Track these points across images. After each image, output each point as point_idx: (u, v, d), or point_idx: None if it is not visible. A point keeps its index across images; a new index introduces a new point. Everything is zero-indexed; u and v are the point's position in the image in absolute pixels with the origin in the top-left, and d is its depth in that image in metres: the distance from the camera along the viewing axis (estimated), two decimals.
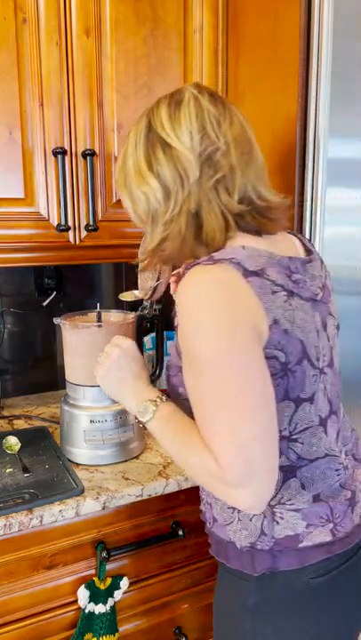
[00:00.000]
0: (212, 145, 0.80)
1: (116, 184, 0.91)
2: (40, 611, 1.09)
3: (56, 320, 1.23)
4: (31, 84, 1.20)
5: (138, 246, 1.02)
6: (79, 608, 1.12)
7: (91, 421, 1.19)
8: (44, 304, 1.65)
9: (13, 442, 1.29)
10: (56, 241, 1.28)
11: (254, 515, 0.85)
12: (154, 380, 1.35)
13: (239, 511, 0.86)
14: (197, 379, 0.77)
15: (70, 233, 1.29)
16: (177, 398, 0.90)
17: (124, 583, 1.15)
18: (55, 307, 1.66)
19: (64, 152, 1.23)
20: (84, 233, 1.30)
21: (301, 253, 0.91)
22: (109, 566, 1.14)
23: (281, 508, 0.84)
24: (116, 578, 1.14)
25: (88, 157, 1.26)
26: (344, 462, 0.90)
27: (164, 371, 1.35)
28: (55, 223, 1.27)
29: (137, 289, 1.23)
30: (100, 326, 1.20)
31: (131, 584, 1.17)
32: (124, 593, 1.16)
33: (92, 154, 1.26)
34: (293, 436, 0.83)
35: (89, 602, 1.11)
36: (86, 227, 1.29)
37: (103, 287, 1.76)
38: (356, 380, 1.29)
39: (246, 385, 0.74)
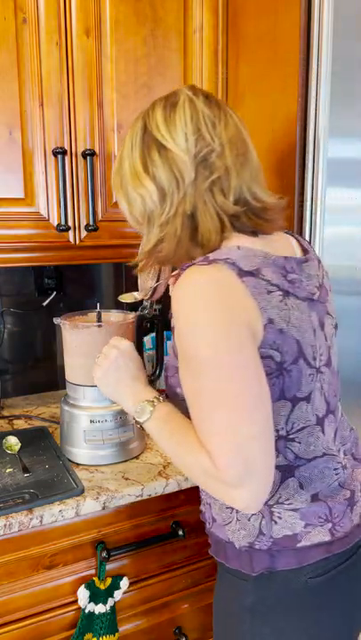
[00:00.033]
0: (207, 146, 0.80)
1: (112, 186, 0.92)
2: (40, 611, 1.09)
3: (56, 320, 1.23)
4: (31, 84, 1.20)
5: (138, 246, 1.02)
6: (79, 608, 1.12)
7: (91, 421, 1.20)
8: (44, 304, 1.65)
9: (13, 442, 1.29)
10: (56, 241, 1.28)
11: (253, 514, 0.85)
12: (154, 380, 1.35)
13: (238, 511, 0.86)
14: (194, 379, 0.77)
15: (70, 233, 1.29)
16: (175, 399, 0.90)
17: (124, 583, 1.15)
18: (55, 307, 1.66)
19: (64, 152, 1.23)
20: (84, 233, 1.30)
21: (298, 253, 0.91)
22: (109, 566, 1.14)
23: (279, 508, 0.84)
24: (116, 578, 1.14)
25: (88, 157, 1.26)
26: (343, 461, 0.90)
27: (163, 371, 1.35)
28: (55, 223, 1.27)
29: (137, 289, 1.23)
30: (100, 326, 1.20)
31: (131, 584, 1.17)
32: (124, 593, 1.16)
33: (92, 154, 1.26)
34: (290, 436, 0.83)
35: (89, 602, 1.11)
36: (86, 227, 1.29)
37: (103, 287, 1.76)
38: (355, 380, 1.29)
39: (243, 385, 0.74)
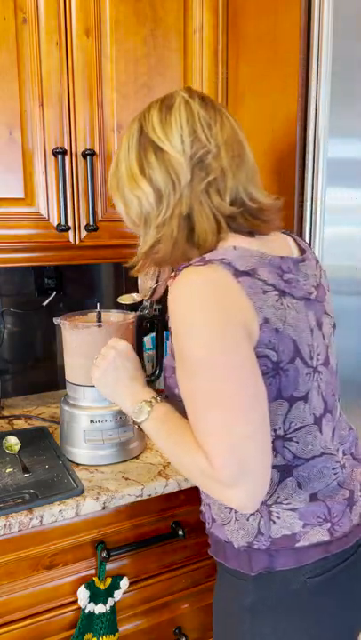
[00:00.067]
0: (203, 148, 0.81)
1: (109, 188, 0.92)
2: (40, 611, 1.09)
3: (56, 320, 1.23)
4: (31, 84, 1.20)
5: (137, 246, 1.02)
6: (79, 608, 1.12)
7: (91, 421, 1.20)
8: (44, 304, 1.65)
9: (13, 442, 1.29)
10: (56, 241, 1.28)
11: (251, 514, 0.85)
12: (153, 379, 1.35)
13: (236, 511, 0.86)
14: (190, 379, 0.77)
15: (70, 233, 1.29)
16: (173, 399, 0.90)
17: (124, 583, 1.15)
18: (55, 307, 1.66)
19: (64, 152, 1.23)
20: (84, 233, 1.30)
21: (295, 253, 0.92)
22: (109, 566, 1.14)
23: (278, 508, 0.84)
24: (116, 578, 1.14)
25: (88, 157, 1.26)
26: (341, 461, 0.90)
27: (162, 371, 1.35)
28: (55, 223, 1.27)
29: (136, 290, 1.23)
30: (100, 326, 1.20)
31: (131, 584, 1.17)
32: (124, 593, 1.16)
33: (92, 154, 1.26)
34: (288, 435, 0.83)
35: (89, 602, 1.11)
36: (86, 227, 1.29)
37: (103, 287, 1.76)
38: (355, 380, 1.29)
39: (239, 385, 0.74)
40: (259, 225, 0.85)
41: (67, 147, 1.24)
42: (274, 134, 1.26)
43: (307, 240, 1.22)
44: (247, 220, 0.84)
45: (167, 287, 1.07)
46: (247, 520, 0.85)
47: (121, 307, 1.41)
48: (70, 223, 1.28)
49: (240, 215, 0.84)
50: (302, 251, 0.93)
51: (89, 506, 1.06)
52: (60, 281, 1.66)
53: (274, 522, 0.84)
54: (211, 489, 0.80)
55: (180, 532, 1.19)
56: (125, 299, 1.30)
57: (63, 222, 1.26)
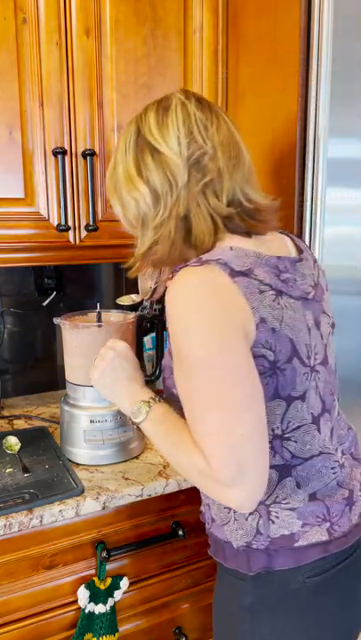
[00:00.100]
0: (200, 149, 0.81)
1: (106, 190, 0.92)
2: (40, 611, 1.09)
3: (56, 320, 1.23)
4: (31, 84, 1.20)
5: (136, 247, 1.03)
6: (79, 608, 1.12)
7: (91, 421, 1.20)
8: (44, 304, 1.65)
9: (13, 442, 1.29)
10: (56, 241, 1.28)
11: (250, 514, 0.85)
12: (153, 380, 1.35)
13: (235, 511, 0.87)
14: (187, 379, 0.77)
15: (70, 233, 1.29)
16: (172, 399, 0.90)
17: (124, 583, 1.15)
18: (55, 307, 1.66)
19: (64, 152, 1.23)
20: (84, 233, 1.30)
21: (293, 253, 0.92)
22: (109, 566, 1.14)
23: (276, 508, 0.84)
24: (116, 578, 1.14)
25: (88, 157, 1.26)
26: (340, 460, 0.90)
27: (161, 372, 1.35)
28: (55, 223, 1.27)
29: (136, 290, 1.23)
30: (100, 326, 1.20)
31: (131, 584, 1.17)
32: (124, 593, 1.16)
33: (92, 154, 1.26)
34: (286, 435, 0.83)
35: (89, 602, 1.11)
36: (86, 227, 1.29)
37: (103, 287, 1.76)
38: (355, 380, 1.29)
39: (236, 385, 0.74)
40: (256, 225, 0.86)
41: (67, 147, 1.24)
42: (274, 134, 1.26)
43: (307, 240, 1.22)
44: (244, 221, 0.85)
45: (167, 287, 1.07)
46: (246, 520, 0.85)
47: (121, 307, 1.41)
48: (70, 223, 1.28)
49: (237, 216, 0.84)
50: (300, 250, 0.93)
51: (89, 506, 1.06)
52: (60, 281, 1.66)
53: (273, 521, 0.84)
54: (209, 489, 0.80)
55: (180, 532, 1.19)
56: (124, 300, 1.30)
57: (63, 222, 1.26)
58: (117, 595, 1.14)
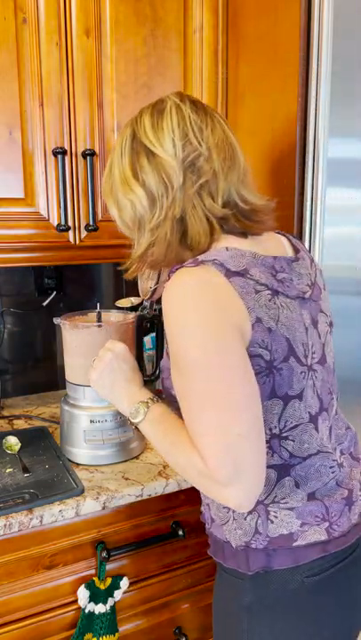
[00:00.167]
0: (195, 151, 0.82)
1: (102, 193, 0.93)
2: (40, 611, 1.09)
3: (56, 320, 1.23)
4: (31, 84, 1.20)
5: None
6: (79, 608, 1.12)
7: (91, 421, 1.20)
8: (44, 304, 1.65)
9: (13, 442, 1.29)
10: (56, 241, 1.28)
11: (249, 514, 0.85)
12: (153, 380, 1.35)
13: (234, 511, 0.87)
14: (184, 379, 0.78)
15: (70, 233, 1.29)
16: (170, 400, 0.90)
17: (124, 583, 1.15)
18: (55, 307, 1.66)
19: (64, 152, 1.23)
20: (84, 233, 1.30)
21: (289, 252, 0.92)
22: (109, 566, 1.14)
23: (275, 507, 0.84)
24: (116, 578, 1.14)
25: (88, 157, 1.26)
26: (339, 460, 0.90)
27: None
28: (55, 223, 1.27)
29: (136, 289, 1.23)
30: (100, 326, 1.20)
31: (131, 584, 1.17)
32: (124, 593, 1.16)
33: (92, 154, 1.26)
34: (284, 434, 0.84)
35: (89, 602, 1.11)
36: (86, 227, 1.29)
37: (103, 287, 1.76)
38: (355, 380, 1.29)
39: (233, 385, 0.75)
40: (251, 226, 0.86)
41: (67, 147, 1.24)
42: (274, 134, 1.26)
43: (307, 240, 1.22)
44: (240, 222, 0.86)
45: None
46: (245, 520, 0.86)
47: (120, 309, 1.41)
48: (70, 223, 1.28)
49: (233, 217, 0.85)
50: (296, 250, 0.94)
51: (89, 506, 1.06)
52: (60, 281, 1.66)
53: (271, 521, 0.84)
54: (207, 488, 0.81)
55: (180, 532, 1.19)
56: (123, 302, 1.31)
57: (63, 222, 1.26)
58: (117, 595, 1.14)
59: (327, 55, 1.12)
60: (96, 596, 1.12)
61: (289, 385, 0.82)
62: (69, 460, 1.22)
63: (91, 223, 1.28)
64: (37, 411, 1.57)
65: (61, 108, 1.23)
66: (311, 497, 0.85)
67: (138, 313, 1.28)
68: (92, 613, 1.12)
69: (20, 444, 1.28)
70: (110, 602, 1.13)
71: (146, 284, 1.17)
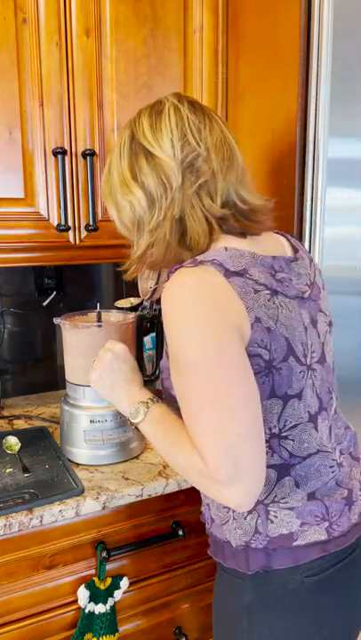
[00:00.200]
0: (193, 152, 0.82)
1: (102, 194, 0.93)
2: (40, 611, 1.09)
3: (56, 320, 1.23)
4: (31, 84, 1.20)
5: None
6: (79, 608, 1.12)
7: (91, 421, 1.20)
8: (44, 304, 1.65)
9: (13, 442, 1.29)
10: (56, 241, 1.28)
11: (249, 514, 0.85)
12: (153, 380, 1.35)
13: (234, 510, 0.87)
14: (183, 380, 0.78)
15: (70, 233, 1.29)
16: (170, 400, 0.90)
17: (124, 583, 1.15)
18: (55, 307, 1.66)
19: (64, 152, 1.23)
20: (84, 233, 1.30)
21: (288, 252, 0.92)
22: (109, 566, 1.14)
23: (275, 507, 0.84)
24: (116, 578, 1.14)
25: (88, 157, 1.26)
26: (338, 459, 0.90)
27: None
28: (55, 223, 1.27)
29: (136, 289, 1.23)
30: (100, 326, 1.20)
31: (131, 584, 1.17)
32: (124, 593, 1.16)
33: (92, 154, 1.26)
34: (283, 433, 0.84)
35: (89, 602, 1.11)
36: (86, 227, 1.29)
37: (103, 287, 1.76)
38: (355, 380, 1.29)
39: (232, 385, 0.75)
40: (250, 226, 0.87)
41: (67, 147, 1.24)
42: (274, 134, 1.26)
43: (307, 240, 1.22)
44: (239, 222, 0.86)
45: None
46: (245, 519, 0.86)
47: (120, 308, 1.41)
48: (70, 223, 1.28)
49: (231, 217, 0.85)
50: (295, 250, 0.94)
51: (89, 506, 1.06)
52: (60, 281, 1.66)
53: (271, 521, 0.84)
54: (207, 488, 0.81)
55: (180, 532, 1.19)
56: (122, 302, 1.31)
57: (63, 222, 1.26)
58: (117, 595, 1.14)
59: (327, 55, 1.12)
60: (96, 596, 1.12)
61: (288, 384, 0.82)
62: (69, 460, 1.22)
63: (91, 223, 1.28)
64: (37, 411, 1.57)
65: (61, 108, 1.23)
66: (311, 497, 0.85)
67: (138, 313, 1.28)
68: (92, 613, 1.12)
69: (19, 444, 1.28)
70: (110, 602, 1.13)
71: (145, 284, 1.17)
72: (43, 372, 1.71)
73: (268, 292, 0.81)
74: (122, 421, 1.20)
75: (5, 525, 0.99)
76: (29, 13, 1.17)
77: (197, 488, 0.85)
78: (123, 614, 1.18)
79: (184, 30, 1.33)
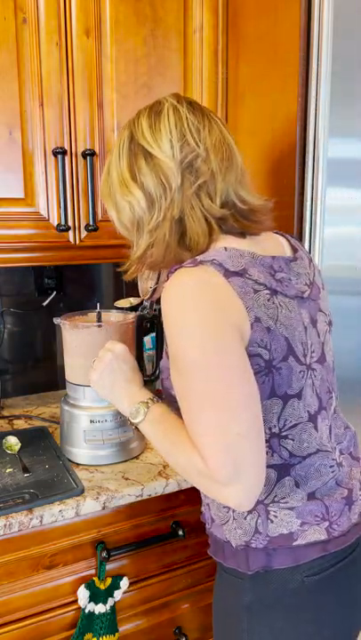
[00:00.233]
0: (193, 152, 0.82)
1: (101, 195, 0.94)
2: (40, 611, 1.09)
3: (56, 320, 1.23)
4: (31, 84, 1.20)
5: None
6: (79, 608, 1.12)
7: (91, 421, 1.20)
8: (44, 304, 1.65)
9: (13, 442, 1.29)
10: (56, 241, 1.28)
11: (249, 513, 0.85)
12: (153, 380, 1.35)
13: (234, 510, 0.87)
14: (183, 380, 0.78)
15: (70, 233, 1.29)
16: (170, 400, 0.91)
17: (124, 583, 1.15)
18: (55, 307, 1.66)
19: (64, 152, 1.23)
20: (84, 233, 1.30)
21: (288, 252, 0.93)
22: (109, 566, 1.14)
23: (275, 507, 0.84)
24: (116, 578, 1.14)
25: (88, 157, 1.26)
26: (338, 459, 0.90)
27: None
28: (55, 223, 1.27)
29: (136, 289, 1.23)
30: (100, 326, 1.20)
31: (131, 584, 1.17)
32: (124, 593, 1.16)
33: (92, 154, 1.26)
34: (283, 433, 0.84)
35: (89, 602, 1.11)
36: (86, 227, 1.29)
37: (103, 287, 1.76)
38: (355, 380, 1.29)
39: (232, 385, 0.75)
40: (250, 226, 0.87)
41: (67, 147, 1.24)
42: (274, 134, 1.26)
43: (307, 240, 1.22)
44: (238, 222, 0.86)
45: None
46: (245, 519, 0.86)
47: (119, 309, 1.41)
48: (70, 223, 1.28)
49: (231, 217, 0.85)
50: (295, 250, 0.94)
51: (89, 506, 1.06)
52: (60, 281, 1.66)
53: (271, 520, 0.84)
54: (208, 488, 0.81)
55: (180, 532, 1.19)
56: (122, 303, 1.31)
57: (63, 222, 1.26)
58: (117, 595, 1.14)
59: (327, 55, 1.12)
60: (96, 596, 1.12)
61: (288, 384, 0.82)
62: (69, 460, 1.22)
63: (91, 223, 1.28)
64: (37, 411, 1.57)
65: (61, 108, 1.23)
66: (311, 496, 0.86)
67: (138, 313, 1.28)
68: (92, 613, 1.12)
69: (20, 444, 1.28)
70: (110, 602, 1.13)
71: (145, 284, 1.17)
72: (43, 372, 1.71)
73: (267, 291, 0.81)
74: (122, 421, 1.20)
75: (5, 525, 0.99)
76: (29, 13, 1.17)
77: (198, 488, 0.85)
78: (123, 614, 1.18)
79: (184, 30, 1.33)
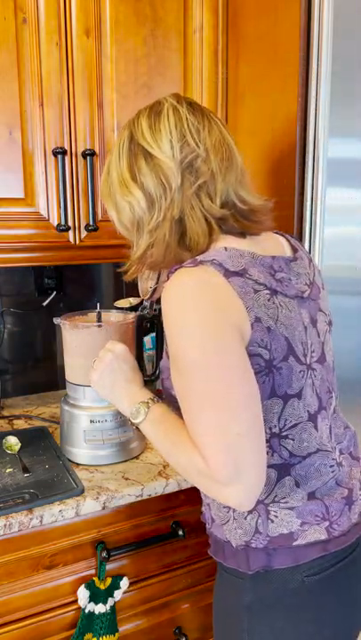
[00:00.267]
0: (193, 152, 0.82)
1: (100, 195, 0.94)
2: (40, 611, 1.09)
3: (56, 320, 1.23)
4: (31, 84, 1.20)
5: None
6: (79, 608, 1.12)
7: (91, 421, 1.20)
8: (44, 304, 1.65)
9: (13, 442, 1.29)
10: (56, 241, 1.28)
11: (249, 513, 0.85)
12: (153, 380, 1.35)
13: (235, 510, 0.87)
14: (183, 380, 0.78)
15: (70, 233, 1.29)
16: (170, 400, 0.91)
17: (124, 583, 1.15)
18: (55, 307, 1.66)
19: (64, 152, 1.23)
20: (84, 233, 1.30)
21: (288, 252, 0.93)
22: (109, 566, 1.14)
23: (275, 507, 0.84)
24: (116, 578, 1.14)
25: (88, 157, 1.26)
26: (338, 459, 0.90)
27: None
28: (55, 223, 1.27)
29: (136, 289, 1.23)
30: (100, 326, 1.20)
31: (131, 584, 1.17)
32: (124, 593, 1.16)
33: (92, 154, 1.26)
34: (284, 433, 0.84)
35: (89, 602, 1.11)
36: (86, 227, 1.29)
37: (103, 287, 1.76)
38: (355, 380, 1.29)
39: (232, 385, 0.75)
40: (250, 226, 0.87)
41: (67, 147, 1.24)
42: (274, 134, 1.26)
43: (307, 240, 1.22)
44: (238, 222, 0.86)
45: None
46: (245, 519, 0.86)
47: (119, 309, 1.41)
48: (70, 223, 1.28)
49: (231, 217, 0.85)
50: (295, 250, 0.94)
51: (89, 506, 1.06)
52: (60, 281, 1.66)
53: (272, 520, 0.84)
54: (208, 488, 0.81)
55: (180, 532, 1.19)
56: (122, 302, 1.31)
57: (63, 222, 1.26)
58: (117, 595, 1.14)
59: (327, 55, 1.12)
60: (96, 596, 1.12)
61: (288, 384, 0.83)
62: (69, 460, 1.22)
63: (91, 223, 1.28)
64: (37, 411, 1.57)
65: (61, 108, 1.23)
66: (311, 496, 0.86)
67: (138, 313, 1.28)
68: (92, 613, 1.12)
69: (20, 444, 1.28)
70: (110, 602, 1.13)
71: (145, 283, 1.17)
72: (43, 372, 1.71)
73: (267, 291, 0.81)
74: (122, 421, 1.20)
75: (5, 525, 0.99)
76: (29, 13, 1.17)
77: (198, 488, 0.85)
78: (123, 614, 1.18)
79: (184, 30, 1.33)
